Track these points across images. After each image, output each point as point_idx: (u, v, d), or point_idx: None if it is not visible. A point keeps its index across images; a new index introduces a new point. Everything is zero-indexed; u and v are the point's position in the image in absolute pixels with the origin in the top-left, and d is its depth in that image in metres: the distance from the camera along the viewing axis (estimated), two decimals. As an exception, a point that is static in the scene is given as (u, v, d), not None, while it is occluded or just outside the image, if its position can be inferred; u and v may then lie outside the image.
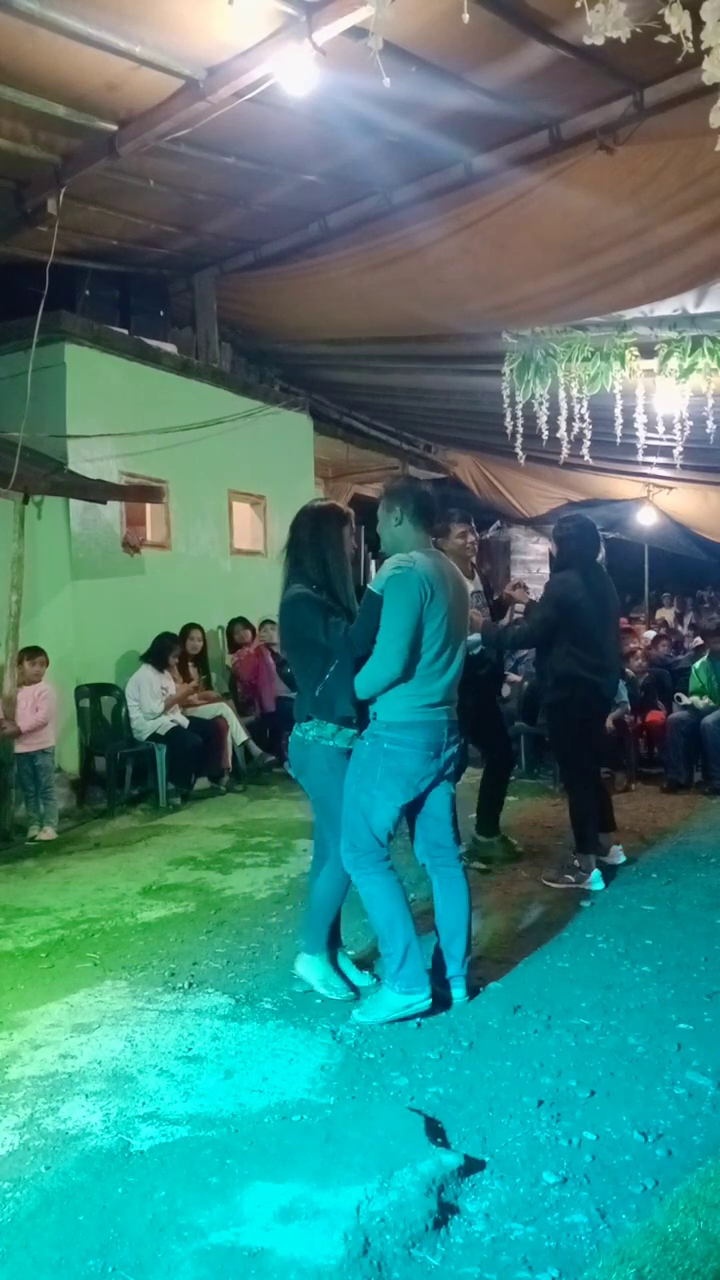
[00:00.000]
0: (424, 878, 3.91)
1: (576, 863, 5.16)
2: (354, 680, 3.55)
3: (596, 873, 5.10)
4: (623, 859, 5.48)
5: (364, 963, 4.02)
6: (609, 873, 5.24)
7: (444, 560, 3.72)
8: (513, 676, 8.91)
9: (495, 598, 6.10)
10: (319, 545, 3.69)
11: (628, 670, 8.10)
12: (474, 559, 5.69)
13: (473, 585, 5.60)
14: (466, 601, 3.87)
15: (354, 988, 3.76)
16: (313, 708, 3.66)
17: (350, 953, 4.01)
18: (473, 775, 5.64)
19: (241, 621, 8.96)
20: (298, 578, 3.68)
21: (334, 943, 3.89)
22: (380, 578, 3.53)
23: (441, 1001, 3.60)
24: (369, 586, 3.58)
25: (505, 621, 5.79)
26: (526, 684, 8.45)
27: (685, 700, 8.10)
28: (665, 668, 9.90)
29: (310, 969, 3.79)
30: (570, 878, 5.09)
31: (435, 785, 3.64)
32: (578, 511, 6.17)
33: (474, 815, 5.66)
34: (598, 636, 5.25)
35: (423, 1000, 3.48)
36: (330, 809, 3.72)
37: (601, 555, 5.68)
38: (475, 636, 5.35)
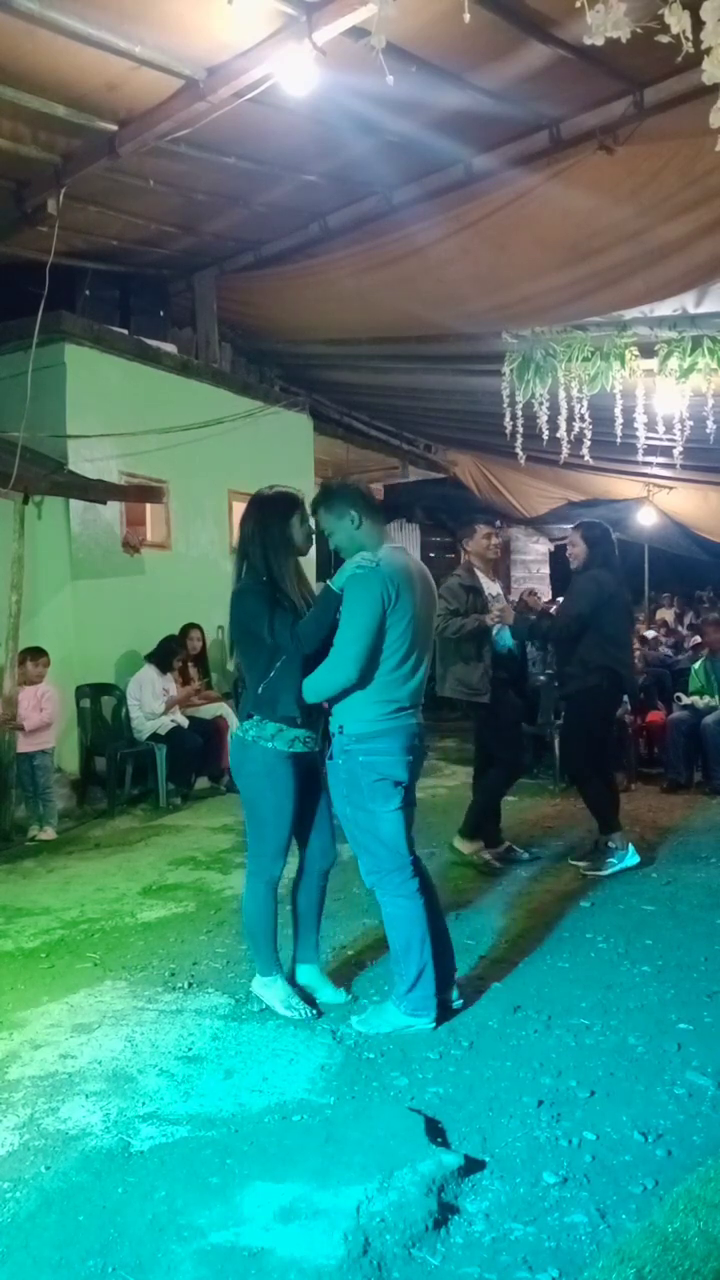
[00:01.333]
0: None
1: (611, 844, 5.30)
2: (303, 681, 3.37)
3: (631, 848, 5.27)
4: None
5: (362, 964, 4.00)
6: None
7: (410, 558, 3.57)
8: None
9: (512, 599, 6.15)
10: (263, 536, 3.50)
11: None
12: (497, 558, 5.75)
13: (496, 587, 5.64)
14: (434, 601, 3.71)
15: (317, 1007, 3.59)
16: (255, 705, 3.48)
17: (349, 952, 3.98)
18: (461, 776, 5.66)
19: None
20: (247, 570, 3.54)
21: (301, 957, 3.75)
22: (340, 575, 3.36)
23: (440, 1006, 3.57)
24: (328, 583, 3.40)
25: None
26: (526, 684, 8.45)
27: (685, 700, 8.10)
28: (665, 668, 9.90)
29: (268, 991, 3.62)
30: (612, 860, 5.24)
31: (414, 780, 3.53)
32: (596, 517, 6.21)
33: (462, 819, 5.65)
34: (621, 634, 5.53)
35: (425, 1024, 3.41)
36: (258, 815, 3.55)
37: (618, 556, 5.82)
38: (507, 633, 5.44)
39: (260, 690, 3.48)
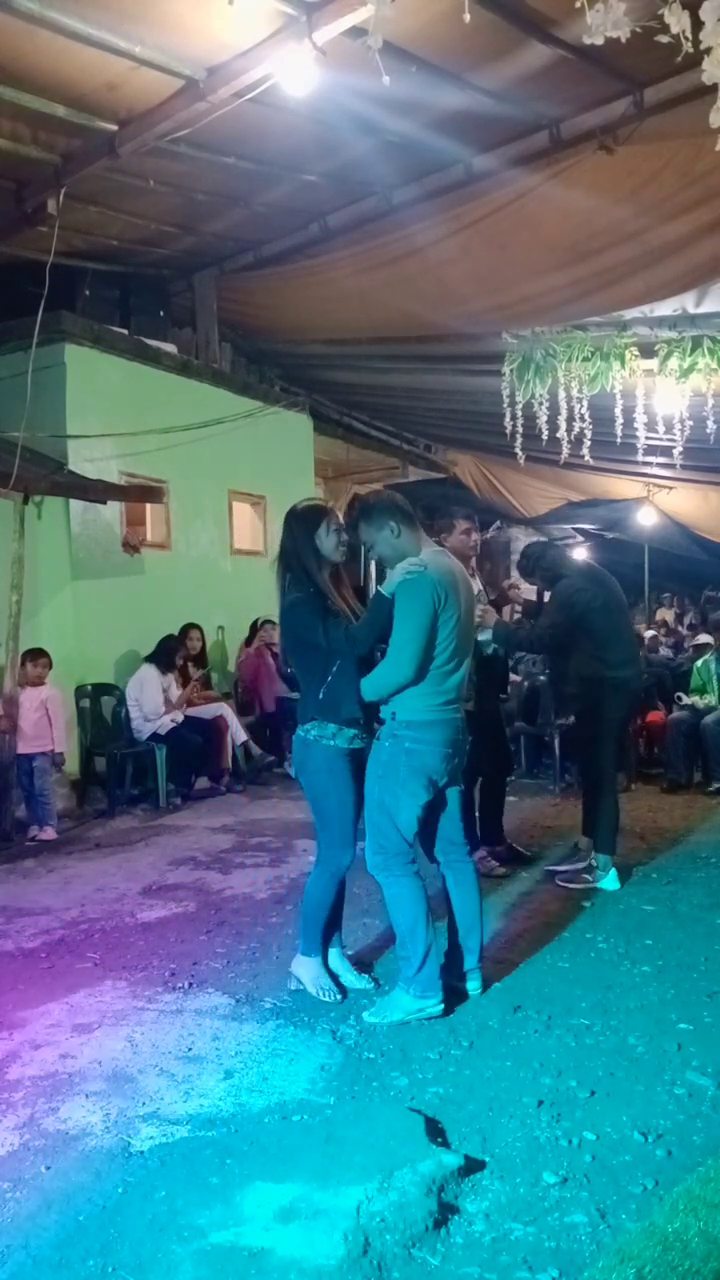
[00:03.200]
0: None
1: (593, 862, 5.19)
2: (361, 682, 3.56)
3: (614, 872, 5.13)
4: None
5: (364, 963, 4.02)
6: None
7: (452, 560, 3.73)
8: (513, 677, 8.91)
9: (492, 596, 6.10)
10: (299, 549, 3.70)
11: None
12: (475, 556, 5.67)
13: (476, 584, 5.59)
14: (474, 599, 3.88)
15: (344, 990, 3.76)
16: (317, 710, 3.67)
17: (349, 952, 4.01)
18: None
19: (271, 622, 8.84)
20: (293, 583, 3.70)
21: (329, 942, 3.89)
22: (392, 581, 3.53)
23: (458, 994, 3.64)
24: (379, 588, 3.58)
25: (506, 620, 5.80)
26: (527, 684, 8.45)
27: (685, 700, 8.10)
28: (665, 668, 9.89)
29: (304, 970, 3.80)
30: (588, 877, 5.13)
31: (452, 782, 3.67)
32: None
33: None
34: (616, 633, 5.33)
35: (435, 1005, 3.49)
36: (323, 810, 3.73)
37: (587, 556, 5.66)
38: (488, 635, 5.37)
39: (321, 695, 3.65)
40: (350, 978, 3.86)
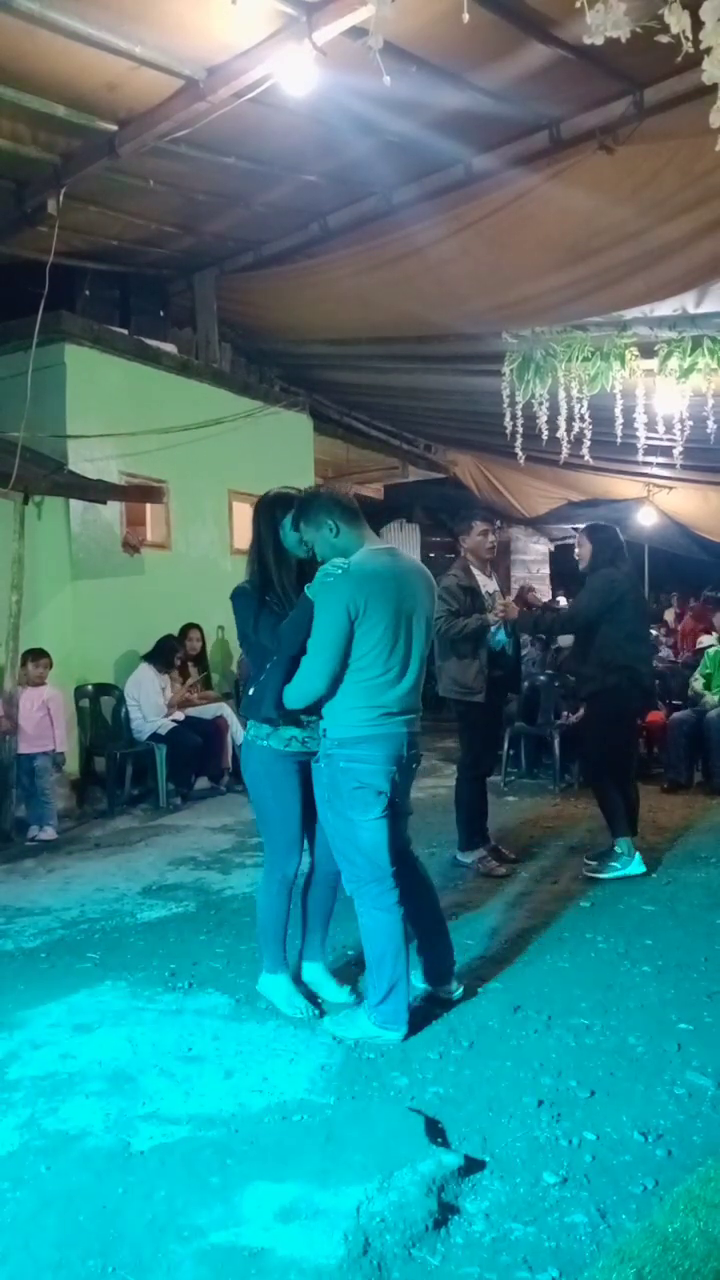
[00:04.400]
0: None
1: (618, 849, 5.25)
2: (283, 689, 3.36)
3: (638, 856, 5.22)
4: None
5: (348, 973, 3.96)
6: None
7: (398, 559, 3.45)
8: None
9: (509, 597, 6.12)
10: (260, 537, 3.57)
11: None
12: (492, 558, 5.73)
13: (492, 584, 5.62)
14: (431, 600, 3.54)
15: (319, 1006, 3.61)
16: (245, 705, 3.57)
17: (329, 961, 3.88)
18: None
19: None
20: (254, 571, 3.60)
21: (307, 955, 3.78)
22: (313, 584, 3.33)
23: (442, 1003, 3.60)
24: (305, 589, 3.37)
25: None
26: (527, 684, 8.45)
27: (696, 686, 8.07)
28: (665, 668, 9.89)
29: (272, 988, 3.66)
30: (615, 865, 5.21)
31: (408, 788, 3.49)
32: (598, 517, 6.25)
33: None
34: (637, 631, 5.49)
35: (394, 1036, 3.33)
36: (264, 814, 3.61)
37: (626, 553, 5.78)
38: (501, 633, 5.41)
39: (250, 691, 3.55)
40: (329, 990, 3.71)
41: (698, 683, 8.15)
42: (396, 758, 3.32)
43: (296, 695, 3.32)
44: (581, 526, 5.94)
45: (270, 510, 3.60)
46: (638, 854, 5.26)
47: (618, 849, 5.28)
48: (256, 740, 3.53)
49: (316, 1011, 3.58)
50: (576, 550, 5.78)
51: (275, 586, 3.53)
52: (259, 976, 3.75)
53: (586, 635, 5.43)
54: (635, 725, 6.02)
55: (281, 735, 3.49)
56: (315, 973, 3.78)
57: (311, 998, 3.66)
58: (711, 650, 8.31)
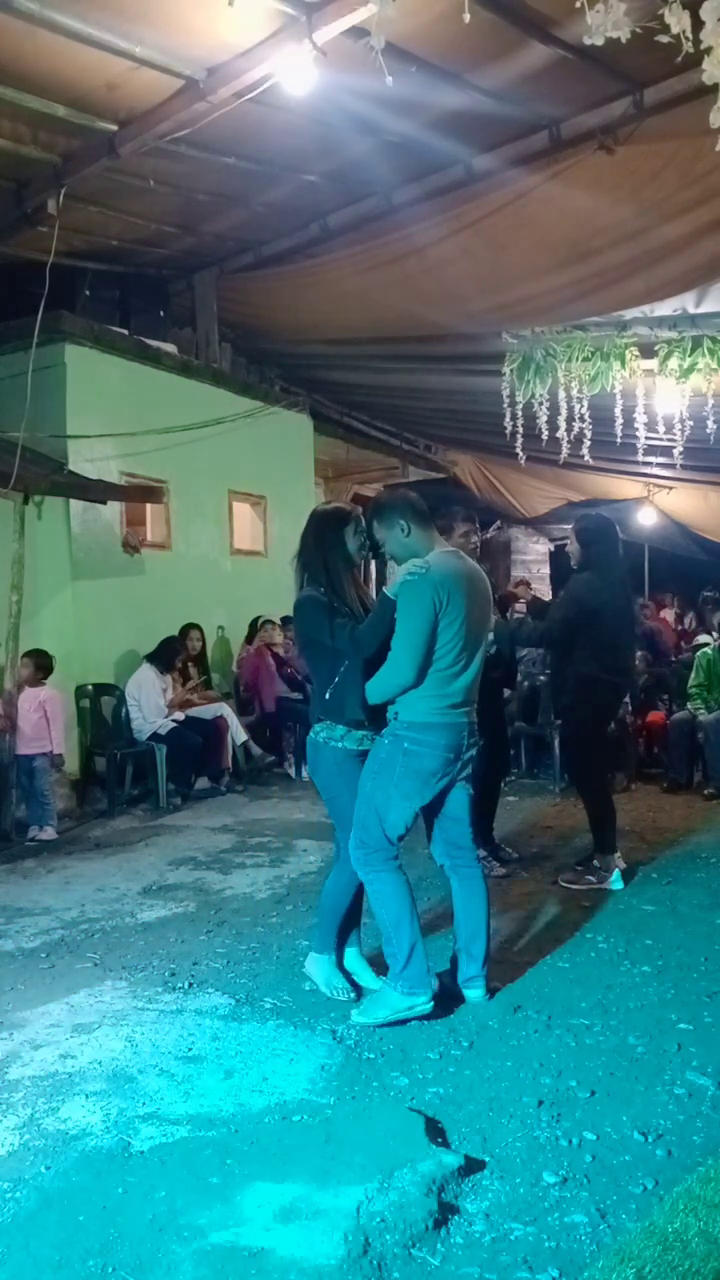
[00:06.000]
0: (424, 878, 3.90)
1: (597, 863, 5.17)
2: (365, 684, 3.55)
3: (617, 873, 5.12)
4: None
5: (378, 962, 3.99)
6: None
7: (463, 560, 3.70)
8: (512, 677, 8.90)
9: (497, 595, 6.09)
10: (322, 548, 3.73)
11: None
12: (476, 557, 5.65)
13: None
14: (488, 598, 3.83)
15: (357, 989, 3.76)
16: (324, 710, 3.69)
17: (365, 951, 3.97)
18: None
19: (271, 622, 8.86)
20: (307, 581, 3.73)
21: (345, 942, 3.88)
22: (394, 582, 3.53)
23: (458, 999, 3.62)
24: (384, 589, 3.58)
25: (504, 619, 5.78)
26: (527, 684, 8.45)
27: (691, 707, 7.93)
28: (666, 668, 9.87)
29: (316, 968, 3.81)
30: (591, 878, 5.11)
31: (452, 786, 3.63)
32: (598, 511, 6.11)
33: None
34: (618, 638, 5.28)
35: (425, 1003, 3.45)
36: (338, 810, 3.74)
37: (621, 552, 5.62)
38: (490, 635, 5.36)
39: (327, 696, 3.67)
40: (367, 978, 3.84)
41: (693, 701, 7.96)
42: (457, 746, 3.56)
43: (385, 688, 3.52)
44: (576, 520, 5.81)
45: (334, 523, 3.78)
46: (618, 871, 5.12)
47: (596, 863, 5.17)
48: (330, 742, 3.68)
49: (354, 994, 3.72)
50: (569, 545, 5.69)
51: (342, 594, 3.70)
52: (307, 956, 3.89)
53: (563, 647, 5.29)
54: (610, 729, 5.80)
55: (355, 735, 3.67)
56: (352, 958, 3.92)
57: (351, 983, 3.79)
58: (702, 654, 8.17)
